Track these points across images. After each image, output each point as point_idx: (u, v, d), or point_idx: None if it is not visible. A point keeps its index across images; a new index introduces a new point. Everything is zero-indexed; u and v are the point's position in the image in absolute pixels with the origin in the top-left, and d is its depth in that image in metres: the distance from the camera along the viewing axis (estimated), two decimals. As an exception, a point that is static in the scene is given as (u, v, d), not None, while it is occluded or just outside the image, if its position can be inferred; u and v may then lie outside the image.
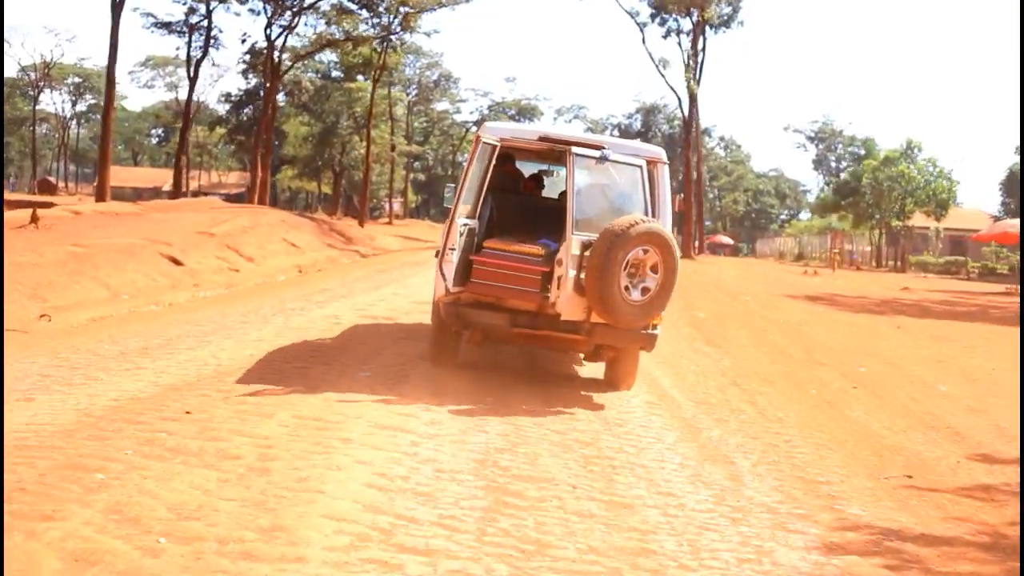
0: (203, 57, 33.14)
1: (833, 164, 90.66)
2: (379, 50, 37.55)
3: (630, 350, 7.17)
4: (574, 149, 6.99)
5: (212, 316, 10.56)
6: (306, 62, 59.83)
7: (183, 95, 70.32)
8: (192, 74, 32.94)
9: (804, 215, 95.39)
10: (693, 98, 32.73)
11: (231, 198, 52.65)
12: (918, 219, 45.44)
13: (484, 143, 7.13)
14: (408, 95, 74.45)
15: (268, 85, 34.26)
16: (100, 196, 28.66)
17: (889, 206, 43.00)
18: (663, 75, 32.89)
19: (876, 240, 46.63)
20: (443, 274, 6.82)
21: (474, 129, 78.91)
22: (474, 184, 7.19)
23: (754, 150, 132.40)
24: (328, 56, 58.62)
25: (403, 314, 10.85)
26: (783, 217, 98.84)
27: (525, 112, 78.65)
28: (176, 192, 31.48)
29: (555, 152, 7.49)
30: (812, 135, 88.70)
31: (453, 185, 7.67)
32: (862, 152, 48.13)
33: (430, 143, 79.49)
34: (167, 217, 23.25)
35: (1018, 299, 22.09)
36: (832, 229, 52.37)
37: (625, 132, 74.62)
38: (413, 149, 67.54)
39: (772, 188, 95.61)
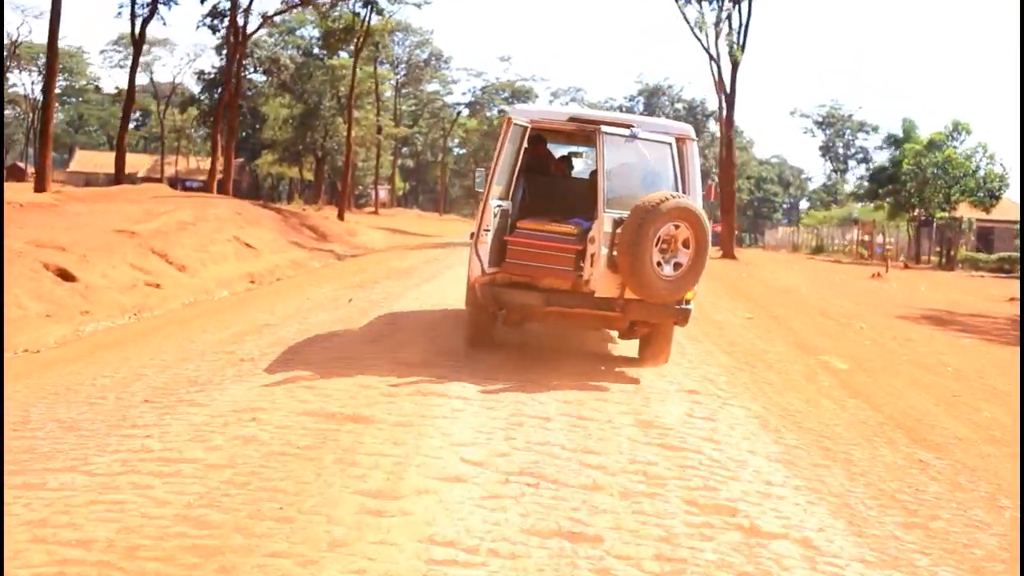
0: (150, 16, 27.96)
1: (841, 151, 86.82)
2: (361, 14, 32.58)
3: (664, 326, 7.23)
4: (604, 128, 7.08)
5: (51, 391, 5.91)
6: (286, 37, 55.09)
7: (159, 76, 65.42)
8: (137, 36, 27.75)
9: (803, 203, 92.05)
10: (735, 65, 27.97)
11: (207, 186, 47.76)
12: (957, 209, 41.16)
13: (515, 125, 7.13)
14: (396, 75, 69.96)
15: (232, 52, 29.23)
16: (40, 184, 24.14)
17: (933, 195, 38.43)
18: (699, 38, 28.14)
19: (914, 232, 42.10)
20: (479, 255, 6.88)
21: (466, 112, 74.60)
22: (506, 166, 7.15)
23: (756, 136, 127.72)
24: (309, 31, 54.07)
25: (381, 402, 6.04)
26: (786, 205, 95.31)
27: (520, 94, 74.27)
28: (119, 178, 26.54)
29: (585, 132, 7.51)
30: (820, 120, 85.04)
31: (483, 169, 7.68)
32: (900, 135, 43.40)
33: (419, 126, 74.83)
34: (88, 209, 18.44)
35: None
36: (860, 220, 47.99)
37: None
38: (401, 131, 62.73)
39: (775, 175, 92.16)
